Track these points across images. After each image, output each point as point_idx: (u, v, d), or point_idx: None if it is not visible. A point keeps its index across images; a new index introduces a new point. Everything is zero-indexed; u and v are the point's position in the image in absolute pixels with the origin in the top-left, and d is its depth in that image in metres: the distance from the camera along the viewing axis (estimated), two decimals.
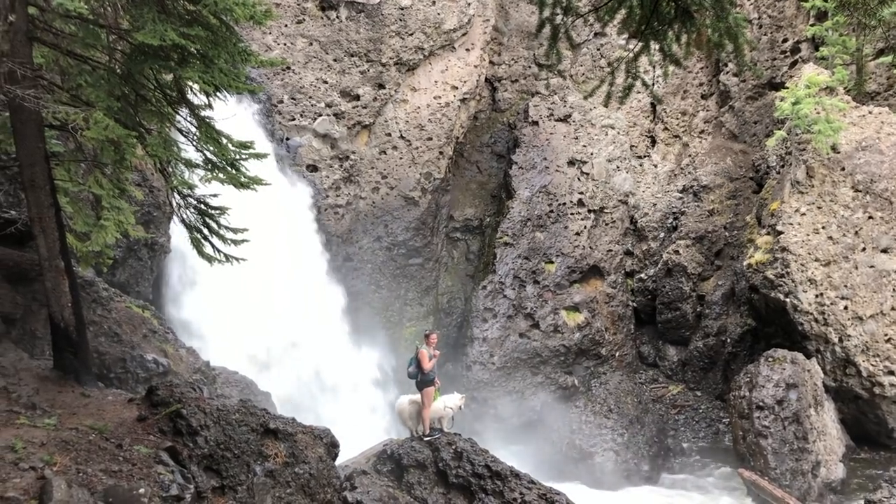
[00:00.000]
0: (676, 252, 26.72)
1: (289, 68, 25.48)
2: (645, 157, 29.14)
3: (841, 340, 20.79)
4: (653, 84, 10.06)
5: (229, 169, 11.72)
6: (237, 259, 13.06)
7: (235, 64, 10.68)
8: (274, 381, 19.98)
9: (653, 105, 29.27)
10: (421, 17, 26.78)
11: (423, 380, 14.21)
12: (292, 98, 25.60)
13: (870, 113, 22.81)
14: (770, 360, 20.31)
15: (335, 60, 26.14)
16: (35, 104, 9.34)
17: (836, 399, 21.23)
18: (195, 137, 11.52)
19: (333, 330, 23.14)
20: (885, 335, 20.61)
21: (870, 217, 21.45)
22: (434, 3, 27.07)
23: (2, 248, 12.87)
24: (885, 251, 21.18)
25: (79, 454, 8.17)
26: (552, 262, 26.06)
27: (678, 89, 29.19)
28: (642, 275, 27.79)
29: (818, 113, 21.55)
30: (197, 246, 12.74)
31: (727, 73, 28.10)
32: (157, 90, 11.02)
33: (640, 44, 9.09)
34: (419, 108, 27.20)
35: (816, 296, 21.10)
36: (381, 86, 26.59)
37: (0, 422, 8.62)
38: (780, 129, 23.39)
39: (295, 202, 24.31)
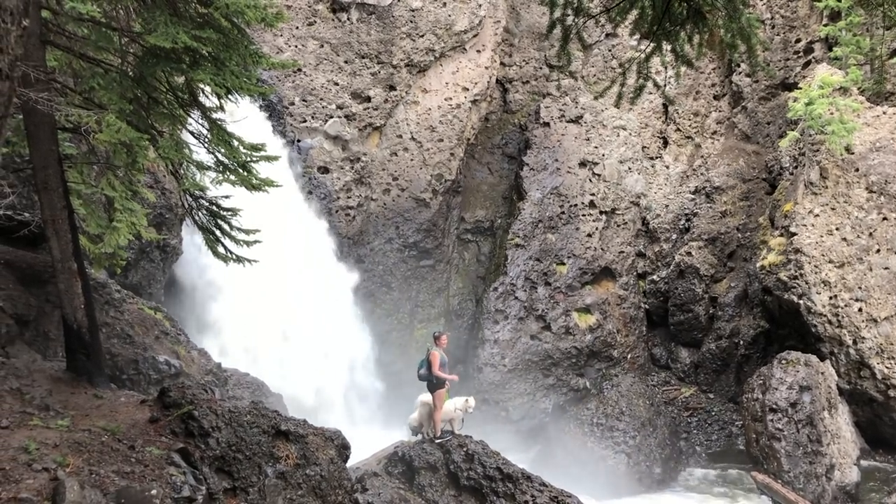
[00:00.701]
0: (689, 254, 26.58)
1: (300, 70, 25.55)
2: (657, 158, 29.03)
3: (855, 342, 20.62)
4: (665, 85, 10.01)
5: (241, 171, 11.74)
6: (250, 261, 13.10)
7: (247, 66, 10.69)
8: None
9: (665, 106, 29.15)
10: (432, 18, 26.79)
11: (436, 382, 14.11)
12: (303, 100, 25.66)
13: (884, 113, 22.63)
14: (783, 362, 20.17)
15: (346, 62, 26.18)
16: (48, 107, 9.38)
17: (850, 402, 21.05)
18: (207, 139, 11.55)
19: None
20: None
21: (884, 218, 21.27)
22: (445, 4, 27.07)
23: (15, 250, 12.96)
24: None
25: (91, 455, 8.20)
26: (563, 264, 26.00)
27: (690, 90, 29.07)
28: (654, 276, 27.67)
29: (832, 113, 21.40)
30: (211, 247, 12.80)
31: (740, 73, 27.96)
32: (169, 93, 11.06)
33: (652, 44, 9.04)
34: (430, 109, 27.20)
35: (830, 297, 20.94)
36: (392, 87, 26.61)
37: (13, 423, 8.65)
38: (793, 130, 23.24)
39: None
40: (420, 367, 14.33)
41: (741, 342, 24.84)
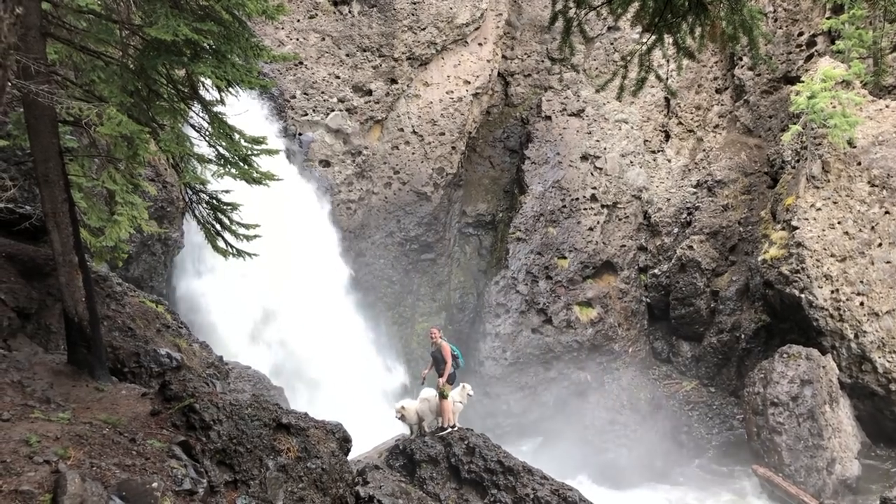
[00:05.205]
0: (690, 247, 26.56)
1: (301, 63, 25.50)
2: (659, 151, 28.97)
3: (857, 336, 20.61)
4: (667, 78, 9.95)
5: (241, 164, 11.71)
6: (249, 255, 13.08)
7: (248, 59, 10.65)
8: None
9: (667, 100, 29.08)
10: (433, 11, 26.71)
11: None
12: (305, 93, 25.62)
13: (887, 107, 22.57)
14: (785, 356, 20.18)
15: (347, 55, 26.12)
16: (49, 100, 9.35)
17: (851, 396, 21.06)
18: (207, 133, 11.52)
19: None
20: None
21: (886, 212, 21.23)
22: None
23: (17, 243, 12.94)
24: None
25: (92, 448, 8.19)
26: (565, 258, 26.00)
27: (692, 83, 28.98)
28: (656, 270, 27.65)
29: (834, 107, 21.34)
30: (211, 241, 12.78)
31: (742, 67, 27.86)
32: (169, 86, 11.01)
33: (654, 36, 8.99)
34: (431, 103, 27.15)
35: (832, 291, 20.92)
36: (394, 81, 26.55)
37: (15, 416, 8.65)
38: (795, 124, 23.18)
39: None
40: (460, 357, 14.34)
41: (742, 336, 24.83)
